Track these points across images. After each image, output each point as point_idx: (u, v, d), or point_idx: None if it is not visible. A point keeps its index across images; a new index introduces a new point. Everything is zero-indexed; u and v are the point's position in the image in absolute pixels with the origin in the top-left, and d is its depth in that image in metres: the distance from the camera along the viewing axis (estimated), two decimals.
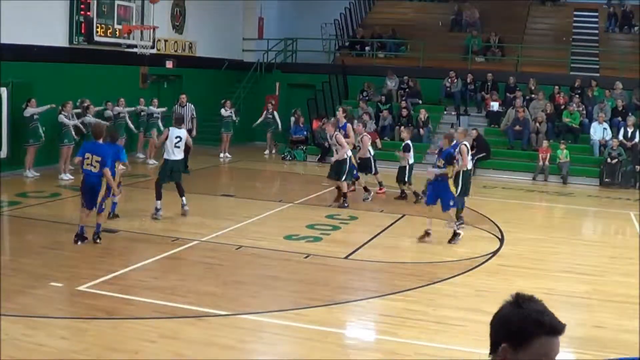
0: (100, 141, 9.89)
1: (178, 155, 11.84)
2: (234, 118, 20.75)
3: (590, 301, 8.32)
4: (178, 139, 11.75)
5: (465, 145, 11.77)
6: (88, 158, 9.73)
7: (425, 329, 6.98)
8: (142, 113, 18.44)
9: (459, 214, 11.69)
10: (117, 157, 10.29)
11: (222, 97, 21.03)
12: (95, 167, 9.67)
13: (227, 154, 20.42)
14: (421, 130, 20.54)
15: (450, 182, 10.83)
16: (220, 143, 20.34)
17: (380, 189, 14.77)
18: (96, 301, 7.38)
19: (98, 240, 9.76)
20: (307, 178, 18.21)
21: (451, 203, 10.80)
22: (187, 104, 17.96)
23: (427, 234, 10.72)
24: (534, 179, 18.71)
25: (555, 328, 2.08)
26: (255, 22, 25.47)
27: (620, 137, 18.65)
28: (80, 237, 9.76)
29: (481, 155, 17.75)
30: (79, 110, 16.05)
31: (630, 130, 18.70)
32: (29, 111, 14.91)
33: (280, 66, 24.76)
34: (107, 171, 9.67)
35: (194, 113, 18.20)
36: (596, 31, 24.51)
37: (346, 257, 9.78)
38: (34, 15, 15.43)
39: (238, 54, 24.81)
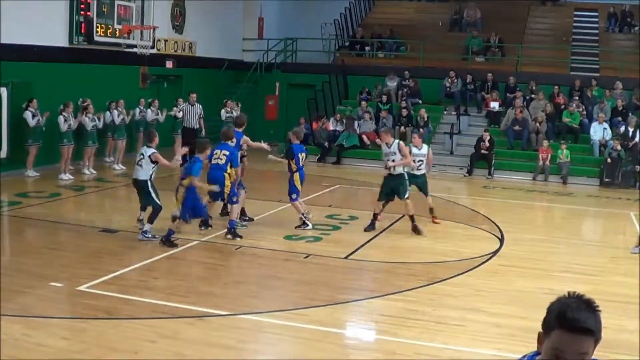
0: (230, 143, 10.64)
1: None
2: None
3: None
4: (141, 157, 10.53)
5: None
6: (216, 154, 10.41)
7: (425, 329, 6.98)
8: (141, 117, 18.32)
9: None
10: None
11: (222, 97, 21.00)
12: (222, 159, 10.35)
13: None
14: (421, 130, 20.53)
15: None
16: None
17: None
18: (96, 301, 7.38)
19: (229, 236, 10.29)
20: (307, 178, 18.16)
21: None
22: (196, 103, 17.96)
23: None
24: (534, 179, 18.71)
25: (572, 324, 2.10)
26: (255, 22, 25.46)
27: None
28: (205, 223, 10.62)
29: None
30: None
31: (630, 130, 18.68)
32: (27, 116, 14.87)
33: (280, 66, 24.75)
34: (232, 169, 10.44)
35: (202, 112, 18.21)
36: (596, 31, 24.50)
37: (346, 257, 9.77)
38: (34, 15, 15.42)
39: (238, 54, 24.80)
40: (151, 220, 10.18)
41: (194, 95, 18.18)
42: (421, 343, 6.59)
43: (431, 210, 12.20)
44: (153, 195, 10.33)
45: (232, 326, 6.91)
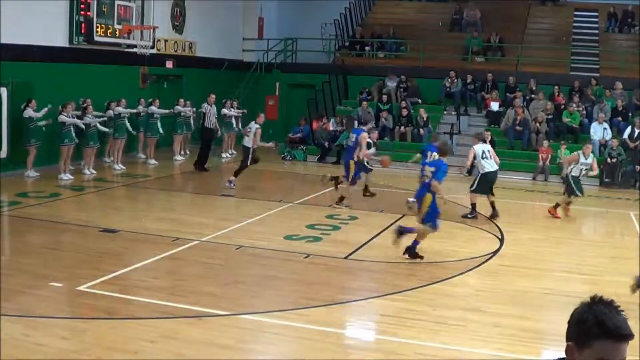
0: (444, 159, 9.87)
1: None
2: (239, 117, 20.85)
3: None
4: (249, 129, 14.98)
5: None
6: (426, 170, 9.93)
7: (425, 329, 6.98)
8: (142, 114, 18.35)
9: None
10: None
11: (222, 97, 21.02)
12: (428, 177, 9.71)
13: (228, 154, 20.51)
14: (421, 130, 20.55)
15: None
16: (222, 143, 20.40)
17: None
18: (96, 301, 7.38)
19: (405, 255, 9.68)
20: (307, 178, 18.19)
21: None
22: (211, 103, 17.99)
23: None
24: (534, 179, 18.71)
25: (617, 333, 2.08)
26: (255, 22, 25.47)
27: (626, 136, 18.62)
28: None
29: None
30: (78, 112, 16.00)
31: (637, 131, 18.62)
32: (28, 113, 14.86)
33: (280, 66, 24.75)
34: (436, 183, 9.54)
35: (216, 112, 18.27)
36: (596, 31, 24.51)
37: (346, 257, 9.78)
38: (34, 15, 15.42)
39: (238, 54, 24.81)
40: (237, 174, 14.82)
41: (213, 95, 18.25)
42: (421, 343, 6.59)
43: (557, 205, 13.79)
44: (249, 158, 14.67)
45: (232, 326, 6.91)
